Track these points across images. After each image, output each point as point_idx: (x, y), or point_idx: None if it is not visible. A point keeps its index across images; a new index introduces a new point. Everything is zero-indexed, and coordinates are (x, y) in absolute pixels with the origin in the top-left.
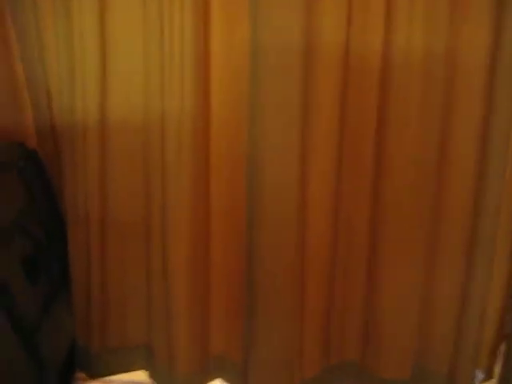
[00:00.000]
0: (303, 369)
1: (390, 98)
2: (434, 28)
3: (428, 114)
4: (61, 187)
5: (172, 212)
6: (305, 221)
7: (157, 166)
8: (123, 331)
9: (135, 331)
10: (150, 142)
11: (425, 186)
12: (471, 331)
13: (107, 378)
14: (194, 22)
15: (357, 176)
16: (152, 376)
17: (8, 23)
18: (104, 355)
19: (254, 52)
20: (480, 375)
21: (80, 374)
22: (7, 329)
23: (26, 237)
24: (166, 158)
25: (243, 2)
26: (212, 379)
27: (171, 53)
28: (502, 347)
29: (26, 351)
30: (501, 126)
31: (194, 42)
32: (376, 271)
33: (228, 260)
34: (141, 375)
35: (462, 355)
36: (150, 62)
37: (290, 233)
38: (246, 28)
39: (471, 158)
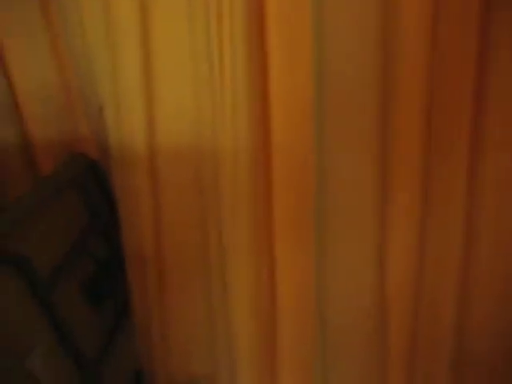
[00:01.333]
0: None
1: None
2: None
3: None
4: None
5: (231, 251)
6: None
7: (212, 196)
8: (187, 365)
9: (199, 365)
10: (203, 169)
11: None
12: None
13: None
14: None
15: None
16: None
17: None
18: None
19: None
20: None
21: None
22: (68, 363)
23: (88, 258)
24: (222, 190)
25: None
26: None
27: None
28: None
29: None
30: None
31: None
32: None
33: (297, 301)
34: None
35: None
36: (200, 85)
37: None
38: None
39: None
